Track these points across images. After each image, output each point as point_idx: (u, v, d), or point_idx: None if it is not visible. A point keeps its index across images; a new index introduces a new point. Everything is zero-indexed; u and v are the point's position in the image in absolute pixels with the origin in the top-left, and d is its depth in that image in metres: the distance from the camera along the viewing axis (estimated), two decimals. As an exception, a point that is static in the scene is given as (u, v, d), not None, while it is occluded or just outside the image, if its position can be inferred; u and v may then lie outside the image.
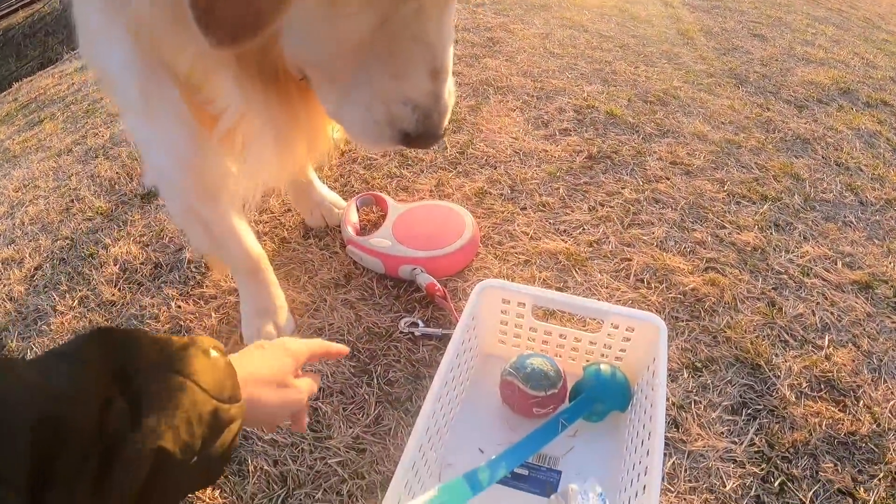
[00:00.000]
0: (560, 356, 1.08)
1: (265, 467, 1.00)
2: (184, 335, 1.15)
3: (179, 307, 1.29)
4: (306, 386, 0.74)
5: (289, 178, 1.28)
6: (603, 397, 0.98)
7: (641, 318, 0.97)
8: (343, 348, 0.85)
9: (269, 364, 0.69)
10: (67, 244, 1.52)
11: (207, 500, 0.96)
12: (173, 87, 0.74)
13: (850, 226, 1.53)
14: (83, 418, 0.43)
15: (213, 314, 1.26)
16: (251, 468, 1.00)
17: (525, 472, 0.96)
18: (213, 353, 0.57)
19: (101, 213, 1.61)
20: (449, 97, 0.72)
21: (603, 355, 1.05)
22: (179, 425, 0.49)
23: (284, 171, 1.03)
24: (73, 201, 1.68)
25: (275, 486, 0.97)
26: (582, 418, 0.97)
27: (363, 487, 0.96)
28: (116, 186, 1.71)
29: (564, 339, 1.06)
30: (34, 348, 1.23)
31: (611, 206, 1.50)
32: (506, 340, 1.11)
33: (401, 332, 1.20)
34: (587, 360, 1.06)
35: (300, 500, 0.95)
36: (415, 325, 1.20)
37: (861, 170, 1.77)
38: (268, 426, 0.73)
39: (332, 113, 0.74)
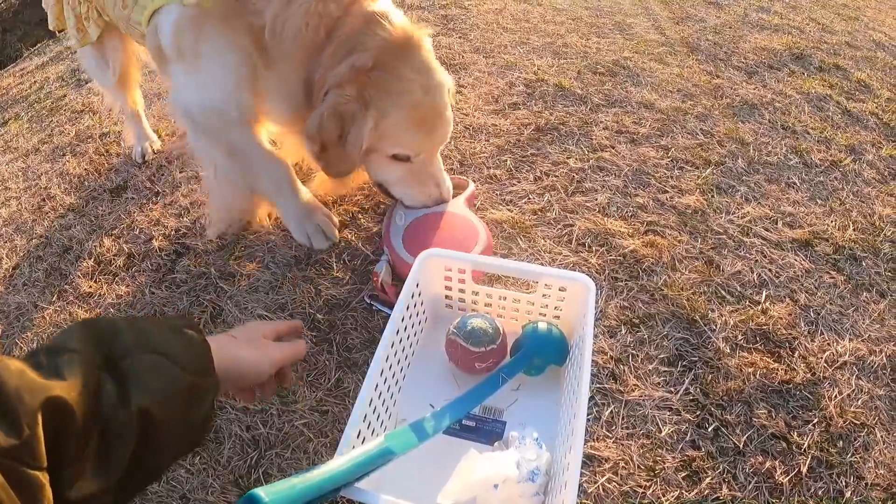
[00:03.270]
0: (503, 317, 1.18)
1: (238, 432, 1.11)
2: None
3: (153, 293, 1.38)
4: (286, 346, 0.86)
5: None
6: (540, 352, 1.08)
7: (571, 278, 1.07)
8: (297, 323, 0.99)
9: (242, 334, 0.82)
10: (42, 242, 1.60)
11: (188, 465, 1.07)
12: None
13: (794, 187, 1.66)
14: (81, 403, 0.51)
15: (184, 297, 1.36)
16: (226, 434, 1.11)
17: (473, 423, 1.06)
18: (188, 331, 0.66)
19: (73, 210, 1.69)
20: (448, 190, 1.43)
21: (541, 314, 1.15)
22: (160, 399, 0.57)
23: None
24: (44, 200, 1.77)
25: (248, 449, 1.08)
26: (523, 373, 1.08)
27: (327, 445, 1.08)
28: (86, 182, 1.79)
29: (505, 300, 1.17)
30: (19, 345, 1.32)
31: (556, 176, 1.61)
32: (452, 305, 1.22)
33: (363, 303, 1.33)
34: (527, 320, 1.16)
35: (271, 460, 1.06)
36: (375, 297, 1.32)
37: (808, 133, 1.91)
38: (251, 383, 0.81)
39: (398, 195, 1.42)
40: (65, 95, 2.39)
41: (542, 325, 1.11)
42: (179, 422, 0.61)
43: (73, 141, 2.02)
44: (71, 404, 0.49)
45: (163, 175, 1.76)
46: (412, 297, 1.09)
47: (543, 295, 1.12)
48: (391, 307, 1.07)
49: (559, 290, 1.09)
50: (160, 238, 1.53)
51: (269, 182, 1.39)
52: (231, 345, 0.76)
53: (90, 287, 1.42)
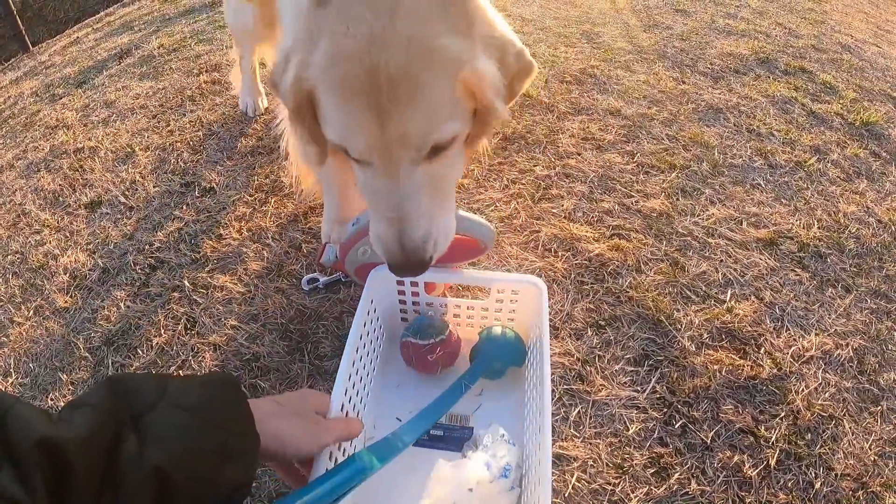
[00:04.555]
0: (459, 325, 1.21)
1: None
2: (136, 333, 1.32)
3: (128, 307, 1.41)
4: (339, 425, 0.83)
5: None
6: (498, 356, 1.12)
7: (523, 281, 1.11)
8: (357, 426, 0.91)
9: (290, 403, 0.78)
10: (18, 258, 1.62)
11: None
12: None
13: (758, 188, 1.72)
14: (86, 457, 0.50)
15: (158, 311, 1.39)
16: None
17: (440, 432, 1.08)
18: (223, 389, 0.63)
19: (48, 226, 1.71)
20: (428, 238, 0.89)
21: (496, 319, 1.19)
22: (180, 457, 0.55)
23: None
24: (19, 216, 1.79)
25: None
26: (484, 377, 1.11)
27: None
28: (60, 198, 1.82)
29: (459, 308, 1.20)
30: None
31: (522, 184, 1.66)
32: (408, 318, 1.24)
33: (304, 290, 1.38)
34: (482, 326, 1.19)
35: None
36: (315, 280, 1.38)
37: (773, 135, 1.97)
38: (290, 460, 0.76)
39: None
40: (39, 111, 2.41)
41: (497, 330, 1.15)
42: (202, 483, 0.57)
43: (47, 157, 2.04)
44: (70, 455, 0.49)
45: (136, 190, 1.78)
46: (367, 313, 1.12)
47: (497, 300, 1.15)
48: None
49: (511, 293, 1.13)
50: (134, 252, 1.55)
51: None
52: (274, 414, 0.72)
53: (66, 302, 1.44)
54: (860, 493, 1.09)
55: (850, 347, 1.32)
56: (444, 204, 0.92)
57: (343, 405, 0.96)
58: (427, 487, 0.96)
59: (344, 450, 0.96)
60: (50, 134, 2.20)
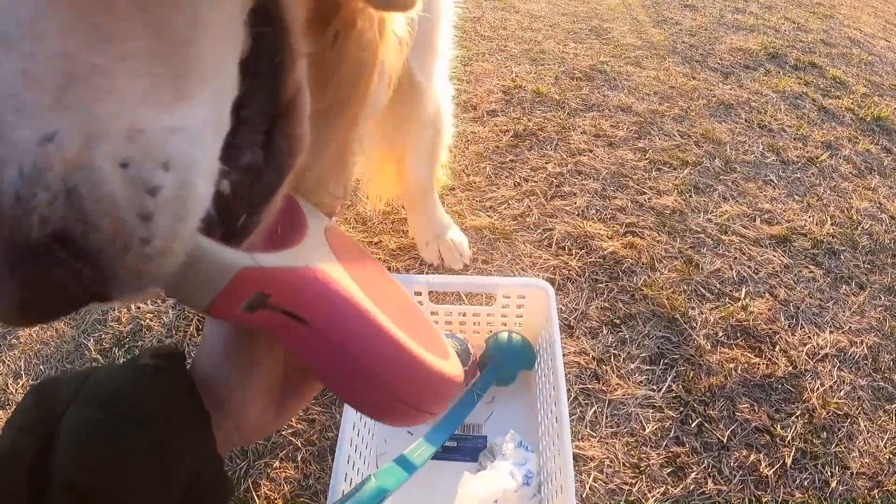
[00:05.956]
0: (465, 332, 1.20)
1: (228, 445, 1.13)
2: (147, 334, 1.32)
3: (139, 308, 1.40)
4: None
5: None
6: (507, 362, 1.12)
7: (529, 284, 1.10)
8: None
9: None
10: None
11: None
12: None
13: (771, 184, 1.71)
14: (15, 480, 0.41)
15: (170, 311, 1.38)
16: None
17: (454, 443, 1.08)
18: (153, 369, 0.48)
19: None
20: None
21: (504, 324, 1.17)
22: (97, 461, 0.42)
23: None
24: None
25: (237, 460, 1.10)
26: (494, 384, 1.11)
27: (315, 454, 1.10)
28: None
29: (465, 316, 1.18)
30: (6, 361, 1.33)
31: (535, 181, 1.65)
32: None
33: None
34: (490, 332, 1.18)
35: (261, 469, 1.09)
36: None
37: (784, 131, 1.96)
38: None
39: None
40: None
41: (503, 335, 1.14)
42: (142, 497, 0.43)
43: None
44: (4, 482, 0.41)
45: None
46: None
47: (503, 305, 1.14)
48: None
49: (518, 297, 1.12)
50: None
51: None
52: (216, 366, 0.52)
53: None
54: (875, 491, 1.08)
55: (864, 345, 1.31)
56: None
57: (354, 424, 0.96)
58: (453, 502, 0.95)
59: (359, 470, 0.95)
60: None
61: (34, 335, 1.38)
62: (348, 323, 0.44)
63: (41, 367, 1.30)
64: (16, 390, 1.25)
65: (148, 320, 1.37)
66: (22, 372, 1.30)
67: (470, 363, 1.11)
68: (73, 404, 0.44)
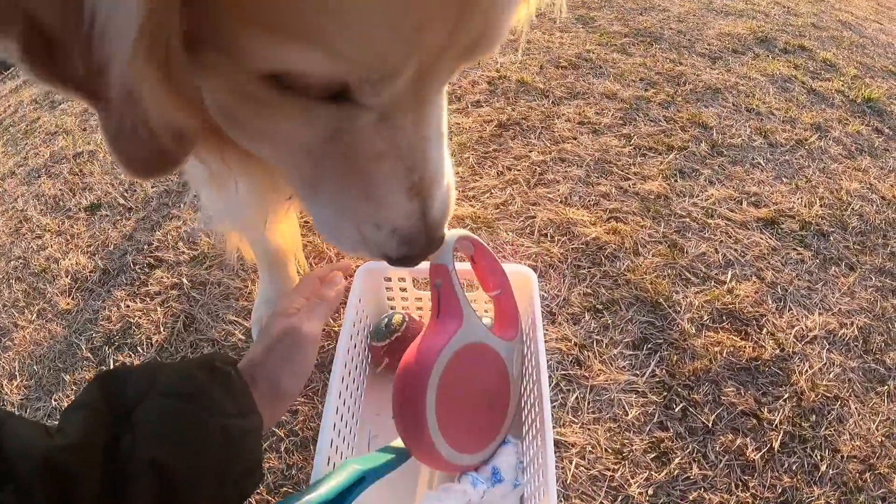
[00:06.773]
0: None
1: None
2: (136, 332, 1.30)
3: (128, 306, 1.39)
4: (314, 314, 0.82)
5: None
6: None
7: (512, 270, 1.06)
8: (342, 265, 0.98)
9: (280, 347, 0.75)
10: (21, 263, 1.62)
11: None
12: None
13: (758, 167, 1.69)
14: (85, 462, 0.47)
15: (158, 308, 1.37)
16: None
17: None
18: (217, 367, 0.61)
19: (49, 230, 1.71)
20: (448, 199, 0.59)
21: (485, 311, 1.14)
22: (175, 448, 0.52)
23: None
24: (21, 222, 1.78)
25: None
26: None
27: (298, 444, 1.09)
28: (61, 203, 1.82)
29: None
30: (2, 364, 1.33)
31: (518, 170, 1.63)
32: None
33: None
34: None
35: None
36: None
37: (773, 114, 1.94)
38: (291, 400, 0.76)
39: (306, 208, 0.60)
40: (39, 118, 2.41)
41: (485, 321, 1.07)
42: (206, 472, 0.54)
43: (47, 162, 2.04)
44: (69, 465, 0.47)
45: (135, 191, 1.77)
46: (356, 312, 1.09)
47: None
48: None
49: None
50: (133, 252, 1.55)
51: None
52: (268, 368, 0.72)
53: (68, 304, 1.44)
54: (867, 474, 1.06)
55: (854, 326, 1.29)
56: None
57: (337, 408, 0.94)
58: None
59: (342, 454, 0.94)
60: (50, 140, 2.20)
61: (28, 336, 1.38)
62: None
63: (35, 367, 1.29)
64: (10, 391, 1.25)
65: (137, 318, 1.36)
66: (16, 373, 1.29)
67: (403, 329, 1.08)
68: (148, 398, 0.54)
